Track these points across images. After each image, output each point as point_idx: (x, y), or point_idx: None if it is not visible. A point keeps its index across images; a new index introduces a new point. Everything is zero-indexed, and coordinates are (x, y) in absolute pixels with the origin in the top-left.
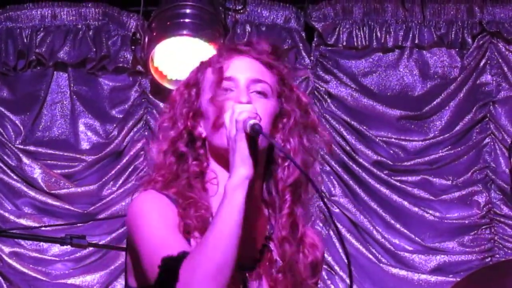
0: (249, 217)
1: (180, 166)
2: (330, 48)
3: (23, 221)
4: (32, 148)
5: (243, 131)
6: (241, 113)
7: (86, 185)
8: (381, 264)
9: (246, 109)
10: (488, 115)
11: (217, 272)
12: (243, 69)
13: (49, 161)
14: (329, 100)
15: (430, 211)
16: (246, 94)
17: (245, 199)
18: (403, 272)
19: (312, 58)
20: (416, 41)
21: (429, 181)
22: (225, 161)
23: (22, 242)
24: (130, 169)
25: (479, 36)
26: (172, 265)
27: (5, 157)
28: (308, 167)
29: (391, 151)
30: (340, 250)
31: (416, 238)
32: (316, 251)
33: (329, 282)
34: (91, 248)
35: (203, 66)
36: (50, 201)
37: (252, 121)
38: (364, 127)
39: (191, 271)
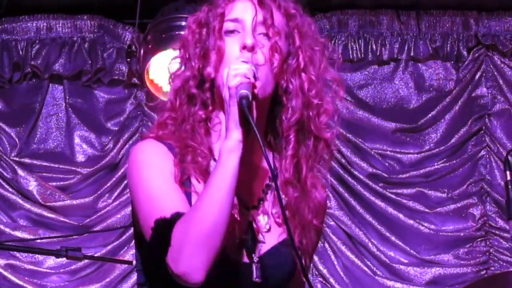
0: (252, 159)
1: (189, 108)
2: None
3: (18, 234)
4: (27, 160)
5: (235, 97)
6: (234, 76)
7: (81, 197)
8: (376, 277)
9: (240, 72)
10: (484, 127)
11: (207, 238)
12: (249, 10)
13: (44, 174)
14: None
15: (426, 224)
16: (251, 36)
17: (239, 162)
18: (398, 285)
19: None
20: (412, 54)
21: (424, 194)
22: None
23: (18, 254)
24: (125, 182)
25: (474, 49)
26: (164, 229)
27: (1, 170)
28: (310, 108)
29: (387, 164)
30: (335, 262)
31: (412, 251)
32: (317, 194)
33: None
34: (86, 261)
35: (214, 4)
36: (45, 213)
37: (242, 92)
38: (360, 140)
39: (182, 236)
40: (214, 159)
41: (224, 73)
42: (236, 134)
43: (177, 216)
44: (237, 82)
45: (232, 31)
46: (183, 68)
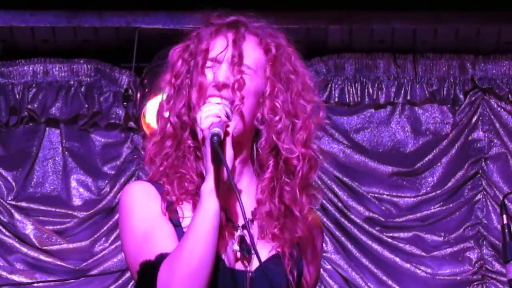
0: (241, 182)
1: (180, 135)
2: None
3: (15, 277)
4: (24, 204)
5: (209, 138)
6: (206, 118)
7: (78, 241)
8: None
9: (211, 113)
10: (480, 171)
11: (193, 279)
12: (224, 48)
13: (41, 217)
14: (320, 157)
15: (422, 267)
16: (223, 74)
17: (219, 202)
18: None
19: None
20: (408, 97)
21: (421, 238)
22: None
23: None
24: None
25: (471, 92)
26: (149, 272)
27: None
28: (281, 133)
29: (383, 208)
30: None
31: None
32: (298, 209)
33: None
34: None
35: (200, 37)
36: (42, 257)
37: (214, 130)
38: (356, 184)
39: (168, 278)
40: (198, 187)
41: (198, 116)
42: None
43: (161, 257)
44: (208, 123)
45: (210, 67)
46: (170, 94)
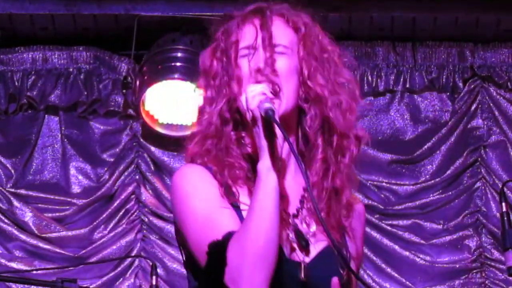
0: (289, 164)
1: (222, 130)
2: None
3: (14, 265)
4: (23, 191)
5: (259, 116)
6: (253, 98)
7: (77, 228)
8: None
9: (257, 92)
10: (479, 159)
11: (263, 255)
12: (254, 35)
13: (40, 205)
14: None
15: (421, 255)
16: (259, 59)
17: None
18: None
19: None
20: (407, 85)
21: (420, 225)
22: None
23: (13, 285)
24: (121, 213)
25: (470, 80)
26: (219, 251)
27: None
28: (330, 110)
29: (382, 195)
30: None
31: (407, 282)
32: (348, 194)
33: None
34: None
35: (228, 31)
36: (41, 244)
37: (265, 105)
38: (355, 171)
39: (239, 256)
40: (253, 169)
41: (242, 99)
42: (268, 154)
43: (229, 235)
44: (257, 101)
45: (245, 55)
46: (210, 96)
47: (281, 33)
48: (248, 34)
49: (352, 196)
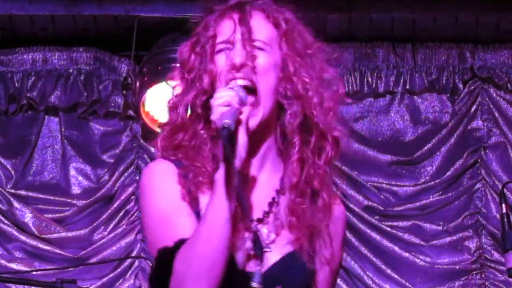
0: (260, 174)
1: (194, 126)
2: None
3: (14, 266)
4: (23, 192)
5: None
6: (217, 108)
7: (77, 229)
8: None
9: (222, 102)
10: (479, 160)
11: (208, 269)
12: (232, 30)
13: (40, 206)
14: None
15: (421, 256)
16: (239, 54)
17: (235, 188)
18: None
19: None
20: (407, 87)
21: (420, 227)
22: None
23: (13, 286)
24: (121, 214)
25: (470, 82)
26: (167, 258)
27: None
28: (310, 109)
29: (382, 197)
30: None
31: (407, 284)
32: (326, 196)
33: None
34: None
35: (206, 25)
36: (41, 245)
37: (224, 121)
38: (355, 173)
39: (184, 267)
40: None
41: (212, 103)
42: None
43: (180, 243)
44: (218, 114)
45: (222, 50)
46: (182, 89)
47: (261, 28)
48: (226, 28)
49: (333, 197)
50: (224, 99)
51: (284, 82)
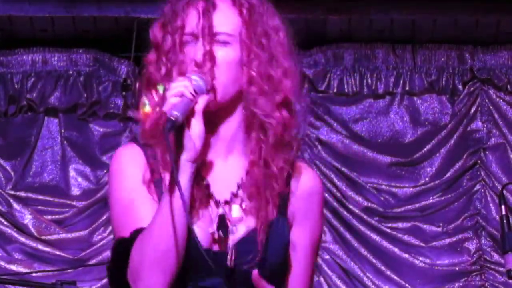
0: (234, 147)
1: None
2: (321, 94)
3: (13, 267)
4: (22, 193)
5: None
6: (168, 99)
7: (76, 231)
8: None
9: (174, 93)
10: (479, 161)
11: (162, 259)
12: (196, 21)
13: (39, 207)
14: (319, 147)
15: (421, 258)
16: (200, 51)
17: (191, 179)
18: None
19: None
20: (407, 88)
21: (419, 228)
22: None
23: None
24: None
25: (470, 83)
26: (122, 249)
27: None
28: (261, 96)
29: (382, 198)
30: None
31: (407, 285)
32: (277, 164)
33: None
34: None
35: (175, 13)
36: (40, 247)
37: (173, 113)
38: (355, 174)
39: (138, 257)
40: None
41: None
42: (183, 156)
43: (135, 234)
44: (169, 105)
45: (189, 42)
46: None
47: (225, 19)
48: (192, 19)
49: (302, 168)
50: (177, 89)
51: (246, 75)
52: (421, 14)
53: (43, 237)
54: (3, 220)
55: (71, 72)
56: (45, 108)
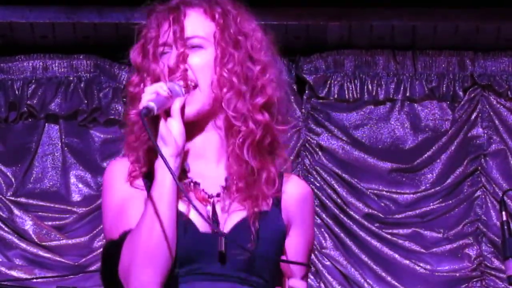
0: (215, 151)
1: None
2: (321, 100)
3: (14, 273)
4: (23, 200)
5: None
6: (144, 97)
7: (77, 237)
8: None
9: (149, 91)
10: (480, 168)
11: (152, 256)
12: (168, 31)
13: (40, 213)
14: (320, 153)
15: (421, 264)
16: (174, 56)
17: (176, 173)
18: None
19: (303, 110)
20: (408, 94)
21: (420, 234)
22: None
23: None
24: None
25: (470, 89)
26: (113, 250)
27: None
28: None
29: (382, 204)
30: None
31: None
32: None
33: None
34: None
35: (149, 25)
36: (41, 253)
37: (149, 104)
38: (355, 180)
39: (129, 255)
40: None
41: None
42: (165, 151)
43: (125, 234)
44: (145, 101)
45: (165, 53)
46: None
47: (197, 24)
48: (165, 29)
49: (294, 178)
50: (152, 89)
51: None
52: (422, 20)
53: (43, 243)
54: (3, 226)
55: (71, 78)
56: (46, 115)
